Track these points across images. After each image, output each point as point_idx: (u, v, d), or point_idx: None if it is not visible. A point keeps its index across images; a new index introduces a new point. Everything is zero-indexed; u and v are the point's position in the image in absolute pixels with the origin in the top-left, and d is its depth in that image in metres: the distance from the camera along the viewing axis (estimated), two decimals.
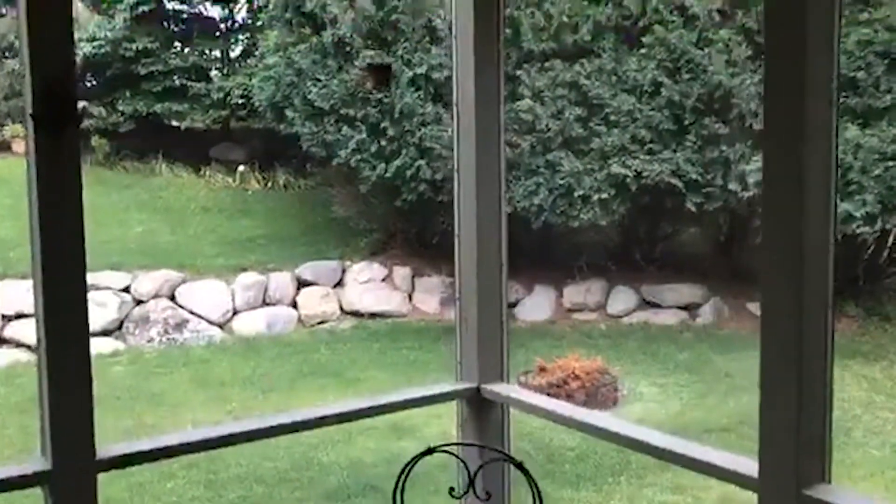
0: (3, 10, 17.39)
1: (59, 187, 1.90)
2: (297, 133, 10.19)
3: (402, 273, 10.44)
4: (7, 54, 16.36)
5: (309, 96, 9.72)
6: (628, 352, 8.72)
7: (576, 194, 8.86)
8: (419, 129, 9.30)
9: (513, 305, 9.91)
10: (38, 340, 1.97)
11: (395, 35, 9.41)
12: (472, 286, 2.67)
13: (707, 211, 9.17)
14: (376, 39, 9.43)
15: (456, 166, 2.73)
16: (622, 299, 9.88)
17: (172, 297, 9.29)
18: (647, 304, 9.90)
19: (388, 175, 9.49)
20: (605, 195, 8.87)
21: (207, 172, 13.01)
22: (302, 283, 10.06)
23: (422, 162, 9.34)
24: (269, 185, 13.06)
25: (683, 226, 10.14)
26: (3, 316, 8.46)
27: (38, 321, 1.96)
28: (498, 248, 2.70)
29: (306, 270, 10.15)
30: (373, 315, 9.94)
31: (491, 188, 2.67)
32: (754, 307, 9.80)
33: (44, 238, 1.89)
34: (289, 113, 10.22)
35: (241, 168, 13.04)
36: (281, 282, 9.93)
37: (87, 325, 2.00)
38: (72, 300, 1.95)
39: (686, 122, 8.75)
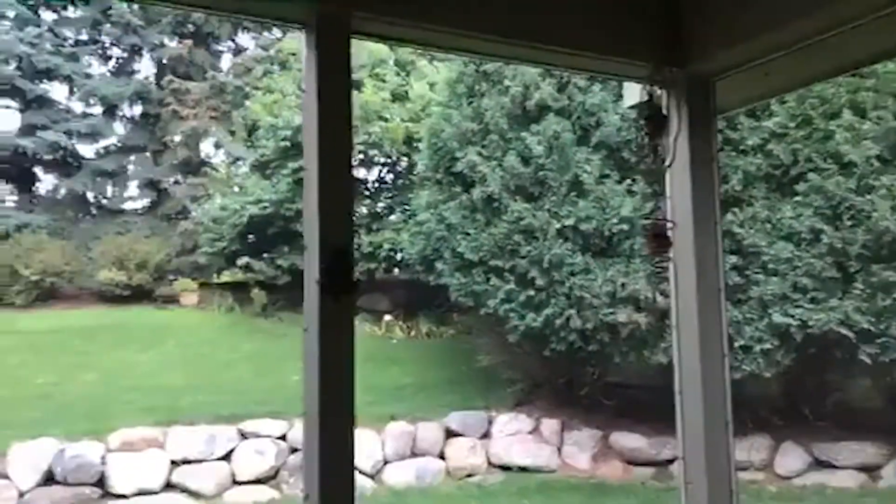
0: (178, 179, 19.48)
1: (338, 346, 2.05)
2: (446, 284, 10.53)
3: (549, 426, 10.22)
4: (180, 216, 18.17)
5: (458, 249, 10.11)
6: None
7: (736, 344, 8.53)
8: (568, 279, 9.38)
9: (670, 462, 9.40)
10: (307, 497, 2.06)
11: (542, 190, 9.76)
12: (699, 446, 2.59)
13: (882, 362, 8.54)
14: (524, 195, 9.81)
15: (675, 323, 2.74)
16: (791, 458, 9.18)
17: None
18: (819, 463, 9.13)
19: (536, 324, 9.53)
20: (767, 345, 8.50)
21: (355, 322, 13.56)
22: (449, 434, 10.03)
23: (572, 311, 9.35)
24: (413, 333, 13.42)
25: (856, 378, 9.44)
26: (172, 461, 8.83)
27: (308, 473, 2.07)
28: (723, 403, 2.63)
29: (453, 420, 10.13)
30: (521, 468, 9.70)
31: (713, 344, 2.65)
32: None
33: (322, 396, 2.03)
34: (438, 265, 10.63)
35: (387, 317, 13.51)
36: (429, 432, 9.94)
37: (354, 479, 2.09)
38: (342, 450, 2.05)
39: (852, 270, 8.38)
